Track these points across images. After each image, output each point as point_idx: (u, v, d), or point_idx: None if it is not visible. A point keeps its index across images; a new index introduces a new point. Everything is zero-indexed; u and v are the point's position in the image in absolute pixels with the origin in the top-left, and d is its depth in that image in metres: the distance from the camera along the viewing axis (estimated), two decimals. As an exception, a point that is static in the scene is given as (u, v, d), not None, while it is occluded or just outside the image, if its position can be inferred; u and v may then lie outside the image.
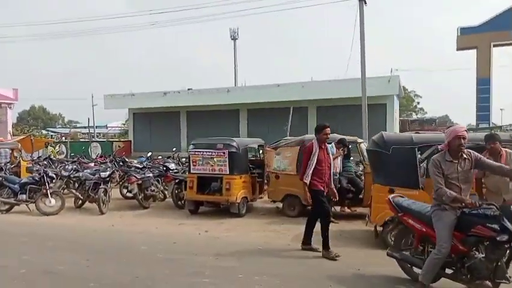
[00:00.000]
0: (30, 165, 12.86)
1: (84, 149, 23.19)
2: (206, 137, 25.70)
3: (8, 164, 12.99)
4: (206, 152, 8.98)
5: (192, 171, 9.16)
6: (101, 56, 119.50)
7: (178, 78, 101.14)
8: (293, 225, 7.75)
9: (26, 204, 9.83)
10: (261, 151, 10.76)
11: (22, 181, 9.92)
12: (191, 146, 9.33)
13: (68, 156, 20.98)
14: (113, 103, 26.21)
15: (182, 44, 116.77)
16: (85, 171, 12.49)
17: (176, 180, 10.20)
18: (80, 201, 10.37)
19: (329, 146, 7.73)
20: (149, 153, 18.84)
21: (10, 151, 13.80)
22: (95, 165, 15.29)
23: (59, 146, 24.91)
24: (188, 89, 23.98)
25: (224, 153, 8.80)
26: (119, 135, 54.46)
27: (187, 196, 9.23)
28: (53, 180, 10.02)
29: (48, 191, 9.68)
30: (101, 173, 9.90)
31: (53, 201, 9.63)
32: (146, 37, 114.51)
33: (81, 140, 35.81)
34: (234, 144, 8.96)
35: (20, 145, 12.48)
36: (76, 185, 11.99)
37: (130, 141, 27.03)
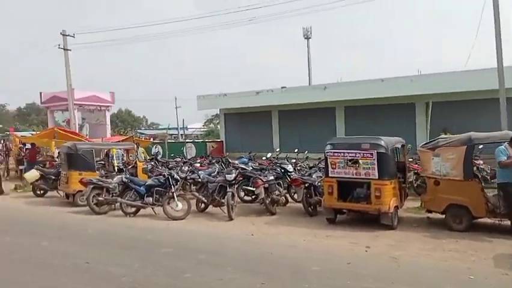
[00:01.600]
0: (145, 166, 12.81)
1: (182, 149, 23.43)
2: (299, 137, 25.08)
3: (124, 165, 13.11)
4: (349, 153, 7.85)
5: (330, 174, 8.09)
6: (171, 59, 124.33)
7: (248, 79, 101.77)
8: (472, 242, 6.36)
9: (152, 208, 9.53)
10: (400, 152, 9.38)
11: (148, 183, 9.62)
12: (328, 147, 8.25)
13: (167, 157, 21.21)
14: (206, 103, 26.24)
15: (249, 45, 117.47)
16: (199, 172, 12.12)
17: (306, 185, 9.22)
18: (203, 205, 9.87)
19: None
20: (250, 153, 18.33)
21: (124, 152, 13.97)
22: (201, 166, 15.02)
23: (156, 147, 25.51)
24: (282, 87, 23.11)
25: (372, 154, 7.60)
26: (204, 135, 55.84)
27: (326, 203, 8.17)
28: (178, 183, 9.59)
29: (174, 194, 9.26)
30: (226, 176, 9.24)
31: (180, 204, 9.19)
32: (210, 39, 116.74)
33: (168, 141, 36.96)
34: (382, 143, 7.72)
35: (135, 146, 12.38)
36: (193, 187, 11.66)
37: (222, 141, 26.91)
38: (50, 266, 5.44)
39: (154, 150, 24.92)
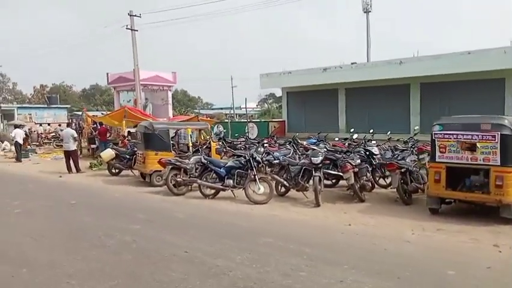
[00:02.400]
0: (219, 146, 12.46)
1: (245, 129, 23.09)
2: (368, 116, 23.71)
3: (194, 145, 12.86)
4: (464, 134, 6.81)
5: (437, 159, 7.12)
6: (223, 37, 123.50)
7: (304, 56, 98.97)
8: None
9: (232, 190, 9.12)
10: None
11: (228, 165, 9.19)
12: (437, 127, 7.23)
13: (229, 137, 20.87)
14: (269, 82, 25.62)
15: (300, 21, 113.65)
16: (275, 154, 11.55)
17: (402, 170, 8.30)
18: (284, 189, 9.31)
19: None
20: (320, 134, 17.46)
21: (195, 132, 13.74)
22: (270, 147, 14.46)
23: (217, 127, 25.34)
24: (352, 63, 21.83)
25: (493, 136, 6.52)
26: (260, 115, 55.47)
27: (431, 191, 7.23)
28: (259, 165, 9.07)
29: (256, 176, 8.76)
30: (312, 158, 8.54)
31: (262, 188, 8.68)
32: (261, 16, 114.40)
33: (225, 120, 36.91)
34: (507, 123, 6.60)
35: (209, 126, 12.00)
36: (268, 169, 11.14)
37: (284, 121, 26.26)
38: (149, 254, 5.11)
39: (215, 130, 24.65)
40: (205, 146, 12.11)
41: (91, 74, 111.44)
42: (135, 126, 20.51)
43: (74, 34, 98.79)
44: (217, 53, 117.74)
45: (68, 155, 14.38)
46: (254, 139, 18.22)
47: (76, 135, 14.61)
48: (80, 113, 56.94)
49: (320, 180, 8.31)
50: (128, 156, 13.34)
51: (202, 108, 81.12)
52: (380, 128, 21.44)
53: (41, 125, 34.66)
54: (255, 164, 8.92)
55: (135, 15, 24.48)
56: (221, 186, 9.08)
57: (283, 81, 24.63)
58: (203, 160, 9.48)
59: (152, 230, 6.31)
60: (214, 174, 9.29)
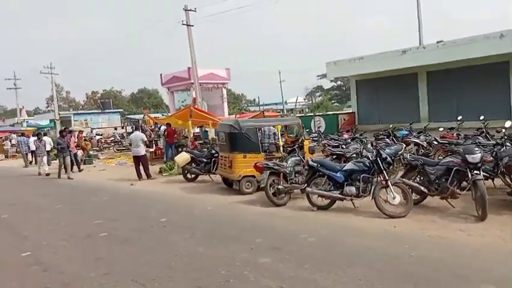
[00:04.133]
0: (311, 144, 10.59)
1: (313, 124, 21.15)
2: (457, 103, 20.84)
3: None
4: None
5: None
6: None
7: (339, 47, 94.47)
8: None
9: (352, 200, 7.23)
10: None
11: (347, 168, 7.29)
12: None
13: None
14: (337, 70, 23.34)
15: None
16: (386, 151, 9.51)
17: None
18: (418, 196, 7.28)
19: None
20: (412, 124, 15.15)
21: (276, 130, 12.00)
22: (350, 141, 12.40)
23: (317, 121, 23.34)
24: (438, 42, 19.11)
25: None
26: (312, 109, 53.02)
27: None
28: (390, 167, 7.12)
29: (389, 182, 6.81)
30: (469, 156, 6.43)
31: (397, 196, 6.72)
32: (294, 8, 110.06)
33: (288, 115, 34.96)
34: None
35: (300, 121, 10.19)
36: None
37: (354, 113, 23.93)
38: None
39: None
40: (296, 145, 10.29)
41: (138, 77, 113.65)
42: (200, 127, 19.31)
43: (116, 40, 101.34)
44: (255, 47, 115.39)
45: (138, 160, 13.15)
46: (325, 134, 16.32)
47: (145, 138, 13.38)
48: (133, 116, 57.59)
49: (483, 183, 6.22)
50: (205, 160, 11.86)
51: (248, 105, 79.68)
52: (471, 115, 18.81)
53: (91, 130, 34.50)
54: (385, 165, 6.97)
55: (190, 10, 23.17)
56: (339, 195, 7.21)
57: (353, 68, 22.26)
58: (311, 163, 7.65)
59: (289, 264, 4.57)
60: (328, 180, 7.45)
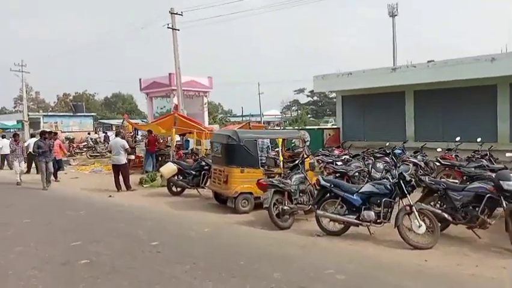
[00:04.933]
0: (312, 160, 9.84)
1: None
2: (442, 123, 20.76)
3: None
4: None
5: None
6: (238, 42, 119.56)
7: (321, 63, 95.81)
8: None
9: (367, 226, 6.48)
10: None
11: (365, 190, 6.55)
12: None
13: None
14: (323, 84, 22.83)
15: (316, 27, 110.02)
16: (394, 172, 8.89)
17: None
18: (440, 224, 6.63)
19: None
20: (405, 142, 14.73)
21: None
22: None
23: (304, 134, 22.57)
24: (429, 61, 18.98)
25: None
26: (290, 123, 52.62)
27: None
28: (414, 190, 6.43)
29: (414, 208, 6.11)
30: (502, 182, 5.84)
31: (422, 225, 6.02)
32: (271, 21, 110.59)
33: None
34: None
35: (306, 134, 9.42)
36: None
37: (339, 128, 23.48)
38: None
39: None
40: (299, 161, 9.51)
41: (112, 81, 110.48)
42: (182, 135, 18.26)
43: (93, 41, 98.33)
44: (232, 57, 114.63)
45: (118, 169, 12.00)
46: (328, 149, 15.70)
47: (127, 146, 12.21)
48: (106, 121, 55.41)
49: (520, 214, 5.63)
50: (193, 172, 10.90)
51: (225, 115, 78.65)
52: (456, 136, 18.70)
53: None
54: (409, 188, 6.29)
55: (177, 13, 22.26)
56: (356, 221, 6.45)
57: (341, 83, 21.80)
58: (323, 182, 6.88)
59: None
60: (341, 203, 6.69)
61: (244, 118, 55.67)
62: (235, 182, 8.58)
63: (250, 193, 8.62)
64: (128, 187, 12.01)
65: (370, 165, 8.79)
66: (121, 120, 18.55)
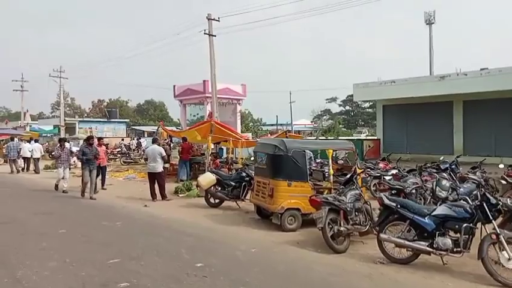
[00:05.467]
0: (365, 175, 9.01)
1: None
2: (488, 136, 19.12)
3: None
4: None
5: None
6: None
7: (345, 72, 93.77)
8: None
9: (440, 255, 5.59)
10: None
11: (437, 212, 5.68)
12: None
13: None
14: (366, 93, 21.89)
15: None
16: (460, 190, 7.94)
17: None
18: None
19: None
20: (458, 157, 13.44)
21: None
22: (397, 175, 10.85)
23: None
24: (482, 69, 17.74)
25: None
26: (322, 132, 51.44)
27: None
28: (500, 215, 5.51)
29: (501, 236, 5.19)
30: None
31: (512, 257, 5.09)
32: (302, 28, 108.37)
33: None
34: None
35: (354, 146, 8.63)
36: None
37: (379, 139, 22.41)
38: None
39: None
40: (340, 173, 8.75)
41: (145, 88, 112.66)
42: (217, 143, 17.75)
43: (126, 49, 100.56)
44: (261, 64, 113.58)
45: (154, 178, 11.56)
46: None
47: (164, 153, 11.77)
48: (139, 127, 56.13)
49: None
50: (233, 184, 10.28)
51: (255, 124, 78.12)
52: (509, 152, 17.29)
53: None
54: (494, 213, 5.38)
55: (214, 19, 21.97)
56: (428, 248, 5.58)
57: (383, 91, 20.84)
58: (387, 202, 6.05)
59: None
60: (409, 226, 5.84)
61: (275, 127, 54.92)
62: (281, 196, 7.88)
63: (298, 209, 7.90)
64: (163, 197, 11.53)
65: (434, 183, 7.85)
66: (156, 127, 18.18)
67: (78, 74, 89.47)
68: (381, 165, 13.77)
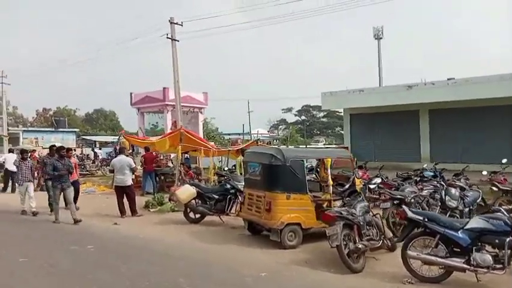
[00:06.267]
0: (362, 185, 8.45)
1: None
2: (461, 144, 19.60)
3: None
4: None
5: None
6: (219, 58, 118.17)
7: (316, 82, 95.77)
8: None
9: (477, 272, 5.04)
10: None
11: (472, 225, 5.14)
12: None
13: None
14: (333, 101, 21.76)
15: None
16: (467, 199, 7.57)
17: None
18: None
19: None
20: (436, 164, 13.32)
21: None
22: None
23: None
24: (449, 79, 18.12)
25: None
26: (281, 141, 51.38)
27: None
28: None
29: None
30: None
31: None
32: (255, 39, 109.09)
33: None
34: None
35: (351, 155, 8.06)
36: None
37: (347, 147, 22.28)
38: None
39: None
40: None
41: (94, 97, 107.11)
42: (185, 152, 16.63)
43: (74, 54, 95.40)
44: (218, 72, 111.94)
45: (123, 191, 10.32)
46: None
47: (133, 164, 10.56)
48: (89, 137, 52.97)
49: None
50: (216, 197, 9.33)
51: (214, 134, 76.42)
52: (477, 158, 17.71)
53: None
54: (536, 225, 4.92)
55: (176, 23, 20.88)
56: (464, 265, 5.02)
57: (351, 100, 20.82)
58: (411, 215, 5.45)
59: None
60: (439, 242, 5.26)
61: (233, 136, 53.96)
62: (280, 210, 7.08)
63: (298, 224, 7.15)
64: (134, 212, 10.32)
65: (443, 192, 7.42)
66: (118, 136, 16.68)
67: (18, 80, 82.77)
68: (360, 173, 13.40)
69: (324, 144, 49.33)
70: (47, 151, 26.68)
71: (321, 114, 78.74)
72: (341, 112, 73.84)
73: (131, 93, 29.54)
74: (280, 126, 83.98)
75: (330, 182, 7.73)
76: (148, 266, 5.94)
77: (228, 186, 9.37)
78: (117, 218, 9.94)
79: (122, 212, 10.23)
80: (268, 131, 77.12)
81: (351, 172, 8.14)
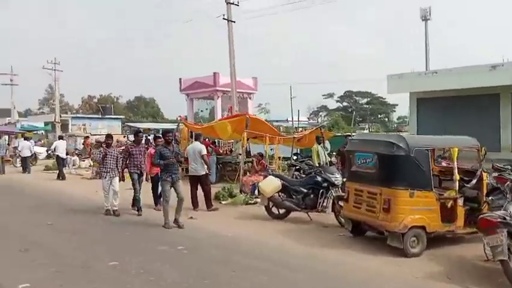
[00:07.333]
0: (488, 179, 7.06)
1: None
2: None
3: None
4: None
5: None
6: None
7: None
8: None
9: None
10: None
11: None
12: None
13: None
14: (401, 85, 19.90)
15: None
16: None
17: None
18: None
19: None
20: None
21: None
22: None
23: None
24: (543, 58, 16.04)
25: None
26: (328, 129, 49.64)
27: None
28: None
29: None
30: None
31: None
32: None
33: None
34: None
35: (479, 145, 6.70)
36: None
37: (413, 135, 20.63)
38: None
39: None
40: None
41: (135, 84, 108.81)
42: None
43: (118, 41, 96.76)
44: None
45: (196, 182, 9.46)
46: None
47: (204, 152, 9.57)
48: (133, 124, 53.52)
49: None
50: (305, 190, 8.26)
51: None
52: None
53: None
54: None
55: (233, 3, 19.81)
56: None
57: (421, 83, 18.94)
58: None
59: None
60: None
61: (276, 123, 52.71)
62: (402, 210, 5.92)
63: (423, 227, 5.96)
64: (209, 205, 9.44)
65: None
66: (177, 124, 15.81)
67: (68, 67, 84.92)
68: (443, 163, 11.92)
69: (370, 132, 47.24)
70: (95, 137, 26.30)
71: (364, 100, 75.89)
72: (384, 98, 70.48)
73: (180, 79, 28.98)
74: (321, 113, 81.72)
75: (457, 176, 6.42)
76: (265, 276, 4.97)
77: (319, 179, 8.26)
78: (189, 210, 9.10)
79: (195, 204, 9.41)
80: (308, 118, 75.27)
81: (479, 164, 6.78)
